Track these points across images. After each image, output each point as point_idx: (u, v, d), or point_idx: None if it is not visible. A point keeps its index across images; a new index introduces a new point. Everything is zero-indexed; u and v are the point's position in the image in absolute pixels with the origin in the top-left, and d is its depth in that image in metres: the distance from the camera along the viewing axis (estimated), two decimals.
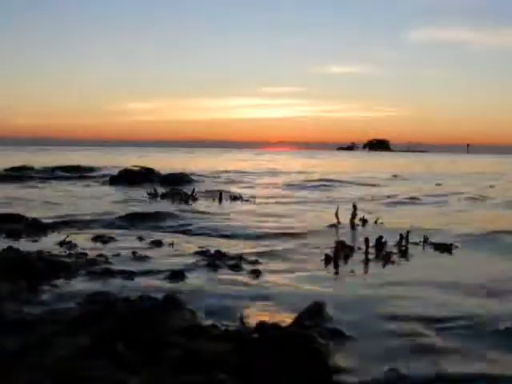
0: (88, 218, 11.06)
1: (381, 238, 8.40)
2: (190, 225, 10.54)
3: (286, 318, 4.62)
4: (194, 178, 22.42)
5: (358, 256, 7.78)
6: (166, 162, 39.36)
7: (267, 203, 15.18)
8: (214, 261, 7.12)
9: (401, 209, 14.41)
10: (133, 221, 10.70)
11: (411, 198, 16.48)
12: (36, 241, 8.54)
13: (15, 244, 7.77)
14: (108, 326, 3.82)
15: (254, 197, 16.39)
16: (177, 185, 18.68)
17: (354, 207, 10.82)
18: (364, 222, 10.86)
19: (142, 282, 6.04)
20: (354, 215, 10.74)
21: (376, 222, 10.74)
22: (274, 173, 32.23)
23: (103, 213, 12.04)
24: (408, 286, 6.16)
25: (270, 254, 7.77)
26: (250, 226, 10.41)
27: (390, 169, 37.61)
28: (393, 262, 7.49)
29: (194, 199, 15.27)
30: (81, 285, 5.84)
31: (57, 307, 4.56)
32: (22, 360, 3.38)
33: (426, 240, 8.75)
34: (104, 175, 23.77)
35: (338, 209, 10.86)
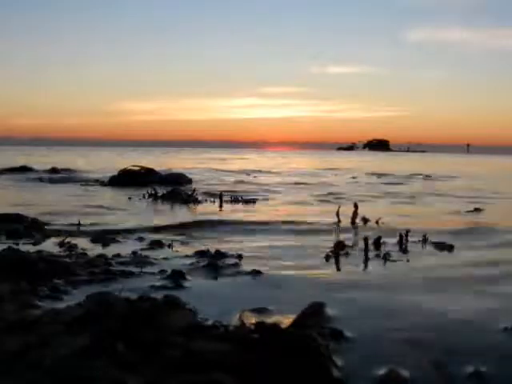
0: (88, 218, 11.07)
1: (380, 237, 8.45)
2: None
3: (286, 318, 4.62)
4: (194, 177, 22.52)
5: (357, 255, 7.79)
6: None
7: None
8: (214, 260, 7.12)
9: None
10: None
11: None
12: (36, 241, 8.53)
13: (15, 244, 7.77)
14: (108, 326, 3.82)
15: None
16: (177, 185, 18.69)
17: (356, 206, 10.81)
18: (365, 221, 10.85)
19: (142, 282, 6.04)
20: (355, 214, 10.73)
21: (378, 222, 10.73)
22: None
23: (103, 214, 12.06)
24: (407, 284, 6.17)
25: (271, 253, 7.79)
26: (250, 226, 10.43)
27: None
28: (392, 261, 7.50)
29: (195, 200, 15.27)
30: (81, 285, 5.84)
31: (57, 307, 4.55)
32: (21, 360, 3.39)
33: (425, 239, 8.78)
34: (103, 176, 23.75)
35: (339, 208, 10.86)
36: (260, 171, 33.64)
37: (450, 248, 8.44)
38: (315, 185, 22.63)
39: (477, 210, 13.50)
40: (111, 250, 7.67)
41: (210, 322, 4.46)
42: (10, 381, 3.18)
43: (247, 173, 31.12)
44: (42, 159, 42.43)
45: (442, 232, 9.75)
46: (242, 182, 23.93)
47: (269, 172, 33.23)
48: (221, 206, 14.12)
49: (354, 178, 28.45)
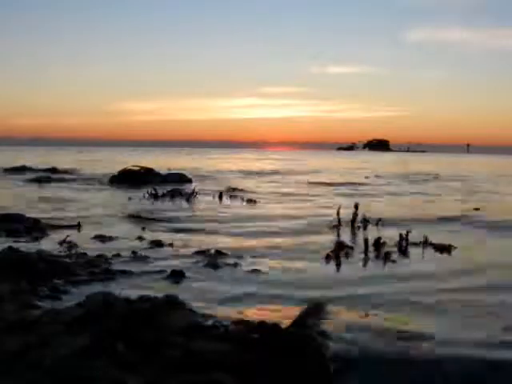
0: (88, 218, 11.07)
1: (379, 238, 8.42)
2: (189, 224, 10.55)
3: (286, 318, 4.62)
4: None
5: (358, 256, 7.79)
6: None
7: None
8: (214, 260, 7.12)
9: None
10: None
11: None
12: (36, 241, 8.54)
13: (15, 244, 7.77)
14: (108, 325, 3.83)
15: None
16: (177, 184, 18.71)
17: (356, 207, 10.77)
18: (366, 222, 10.81)
19: (141, 281, 6.04)
20: (355, 215, 10.69)
21: (377, 223, 10.69)
22: None
23: (103, 214, 12.06)
24: (406, 285, 6.17)
25: (271, 253, 7.78)
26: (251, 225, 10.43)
27: None
28: (392, 261, 7.50)
29: (194, 199, 15.28)
30: (81, 285, 5.84)
31: (57, 307, 4.55)
32: (22, 360, 3.39)
33: (425, 240, 8.73)
34: (103, 175, 23.76)
35: (339, 208, 10.83)
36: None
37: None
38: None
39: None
40: (111, 250, 7.66)
41: (209, 322, 4.47)
42: (11, 381, 3.19)
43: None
44: (42, 159, 42.41)
45: None
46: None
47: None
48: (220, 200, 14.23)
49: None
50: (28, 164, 28.78)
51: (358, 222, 10.64)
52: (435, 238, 8.78)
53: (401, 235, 8.50)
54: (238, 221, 11.15)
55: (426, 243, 8.67)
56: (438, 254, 8.16)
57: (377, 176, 29.05)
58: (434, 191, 20.03)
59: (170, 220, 11.21)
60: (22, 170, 27.04)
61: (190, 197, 15.45)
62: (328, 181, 24.42)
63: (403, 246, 8.38)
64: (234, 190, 18.15)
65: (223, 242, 8.71)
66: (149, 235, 9.11)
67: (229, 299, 5.42)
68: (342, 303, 5.27)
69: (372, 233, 9.52)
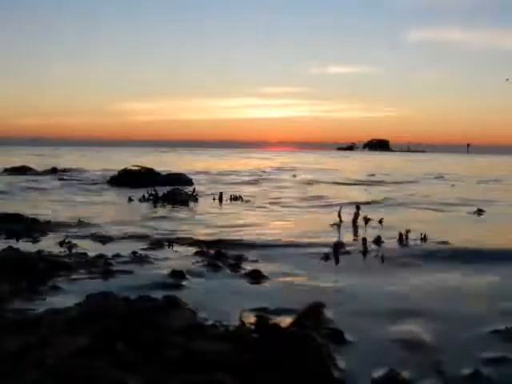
0: (88, 219, 11.07)
1: (379, 237, 8.44)
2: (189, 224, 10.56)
3: (286, 318, 4.62)
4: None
5: (357, 256, 7.79)
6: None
7: None
8: (214, 261, 7.13)
9: None
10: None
11: None
12: (36, 241, 8.54)
13: (15, 244, 7.78)
14: (108, 325, 3.83)
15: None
16: (177, 185, 18.70)
17: (357, 207, 10.79)
18: (367, 221, 10.81)
19: (141, 282, 6.04)
20: (356, 215, 10.71)
21: (380, 222, 10.69)
22: None
23: (103, 214, 12.07)
24: (406, 285, 6.17)
25: (271, 253, 7.78)
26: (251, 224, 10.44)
27: None
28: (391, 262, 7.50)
29: (195, 200, 15.29)
30: (81, 285, 5.85)
31: (57, 307, 4.56)
32: (22, 360, 3.39)
33: (424, 237, 8.74)
34: (103, 176, 23.77)
35: (340, 208, 10.85)
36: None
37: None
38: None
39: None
40: (111, 250, 7.67)
41: (210, 322, 4.47)
42: (11, 381, 3.19)
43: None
44: (42, 159, 42.45)
45: None
46: None
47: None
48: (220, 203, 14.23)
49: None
50: (28, 164, 28.80)
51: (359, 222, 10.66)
52: None
53: (400, 234, 8.53)
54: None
55: (424, 239, 8.68)
56: None
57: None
58: None
59: (169, 220, 11.22)
60: (22, 170, 27.05)
61: (190, 198, 15.45)
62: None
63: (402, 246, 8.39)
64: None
65: (223, 243, 8.72)
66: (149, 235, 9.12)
67: (229, 299, 5.42)
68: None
69: (373, 232, 9.51)
